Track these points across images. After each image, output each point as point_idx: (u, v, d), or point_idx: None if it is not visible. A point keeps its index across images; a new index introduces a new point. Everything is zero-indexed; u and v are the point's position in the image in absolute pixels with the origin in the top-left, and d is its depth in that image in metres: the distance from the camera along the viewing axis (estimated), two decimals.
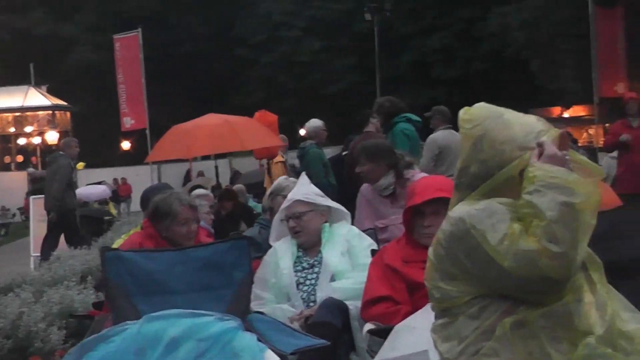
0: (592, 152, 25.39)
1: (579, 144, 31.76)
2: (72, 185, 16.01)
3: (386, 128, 10.40)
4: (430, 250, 3.21)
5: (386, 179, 6.79)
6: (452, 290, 3.10)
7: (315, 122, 12.97)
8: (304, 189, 6.08)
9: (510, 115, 3.24)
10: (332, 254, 5.76)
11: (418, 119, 10.56)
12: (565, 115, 45.95)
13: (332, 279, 5.65)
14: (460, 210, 3.12)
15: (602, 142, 28.29)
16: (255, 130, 14.38)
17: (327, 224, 5.97)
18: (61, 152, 15.90)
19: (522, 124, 3.18)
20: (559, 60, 39.30)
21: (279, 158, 14.53)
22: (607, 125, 40.92)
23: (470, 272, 3.04)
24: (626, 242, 6.68)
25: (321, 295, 5.54)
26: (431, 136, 11.30)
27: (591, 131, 37.68)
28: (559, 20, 38.39)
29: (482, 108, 3.29)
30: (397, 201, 6.73)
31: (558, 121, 43.92)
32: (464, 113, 3.28)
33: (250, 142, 14.43)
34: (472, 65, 50.01)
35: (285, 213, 5.94)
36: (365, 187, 7.11)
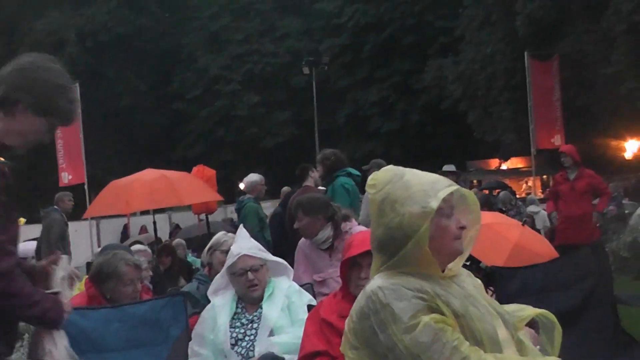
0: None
1: (517, 196, 32.04)
2: (65, 238, 15.80)
3: (327, 181, 10.35)
4: (346, 320, 3.26)
5: (324, 233, 6.79)
6: None
7: (253, 177, 13.03)
8: (247, 243, 5.98)
9: (411, 175, 3.28)
10: (273, 308, 5.68)
11: (358, 173, 10.55)
12: (504, 167, 46.47)
13: (271, 334, 5.56)
14: (373, 285, 3.18)
15: (540, 193, 28.57)
16: (193, 185, 14.38)
17: (272, 279, 5.87)
18: (55, 207, 15.78)
19: (421, 184, 3.21)
20: (495, 112, 39.72)
21: None
22: (544, 176, 41.50)
23: (374, 348, 3.09)
24: (562, 294, 6.68)
25: (259, 349, 5.46)
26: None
27: (529, 182, 38.00)
28: (495, 73, 38.86)
29: (387, 171, 3.33)
30: (335, 254, 6.77)
31: (496, 173, 44.47)
32: (370, 179, 3.33)
33: (188, 197, 14.43)
34: (410, 117, 50.42)
35: (239, 267, 5.78)
36: (303, 241, 7.08)
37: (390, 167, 3.38)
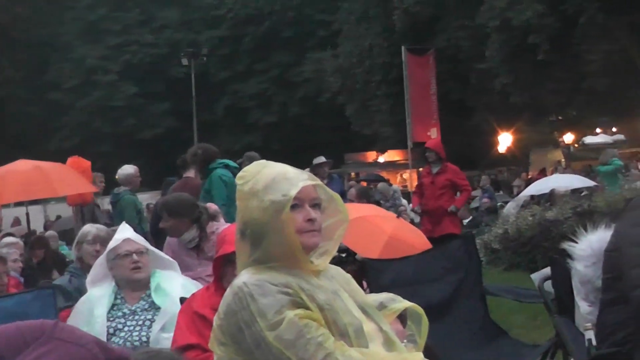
0: (406, 195, 25.84)
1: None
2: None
3: (203, 174, 10.29)
4: (215, 316, 3.25)
5: (190, 233, 6.74)
6: (222, 357, 3.16)
7: (127, 169, 12.80)
8: (132, 232, 5.87)
9: (278, 167, 3.30)
10: (169, 302, 5.55)
11: (235, 165, 10.49)
12: (381, 159, 46.88)
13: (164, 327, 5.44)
14: (239, 281, 3.16)
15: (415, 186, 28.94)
16: (68, 176, 14.04)
17: (157, 270, 5.78)
18: None
19: (283, 174, 3.24)
20: (373, 105, 40.09)
21: None
22: (421, 169, 42.09)
23: (240, 344, 3.08)
24: (432, 285, 6.80)
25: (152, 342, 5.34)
26: None
27: (405, 175, 38.47)
28: (372, 67, 39.21)
29: (257, 165, 3.35)
30: (202, 253, 6.70)
31: (374, 166, 44.84)
32: (241, 172, 3.33)
33: (62, 188, 14.09)
34: (288, 110, 50.54)
35: (124, 249, 5.67)
36: (170, 238, 7.00)
37: (262, 161, 3.37)
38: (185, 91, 48.29)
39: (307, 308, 3.07)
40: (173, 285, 5.69)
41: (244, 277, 3.15)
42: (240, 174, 3.30)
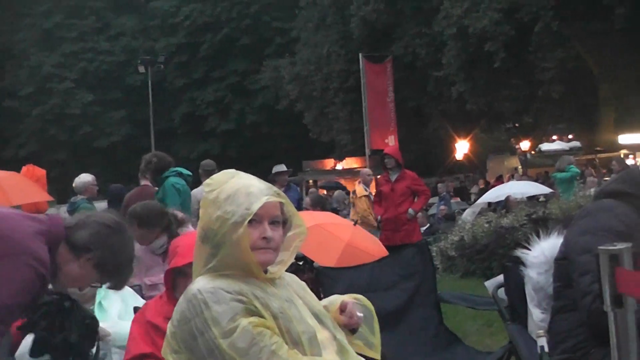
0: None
1: None
2: None
3: (157, 183, 10.22)
4: (168, 324, 3.25)
5: (159, 241, 6.66)
6: None
7: (85, 177, 12.72)
8: None
9: (244, 179, 3.30)
10: (105, 315, 5.50)
11: (189, 173, 10.44)
12: (339, 167, 46.90)
13: None
14: (194, 288, 3.16)
15: (373, 192, 28.98)
16: (22, 185, 13.91)
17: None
18: None
19: (246, 186, 3.24)
20: (331, 113, 40.11)
21: (362, 192, 15.80)
22: (379, 176, 42.14)
23: (194, 352, 3.08)
24: (387, 293, 6.79)
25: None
26: (192, 191, 11.21)
27: None
28: (330, 74, 39.23)
29: (224, 174, 3.35)
30: (168, 260, 6.62)
31: (332, 173, 44.85)
32: (209, 179, 3.34)
33: (17, 197, 13.95)
34: (246, 117, 50.44)
35: None
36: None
37: (230, 170, 3.38)
38: (142, 99, 48.09)
39: (261, 316, 3.07)
40: (112, 301, 5.64)
41: (199, 284, 3.15)
42: (207, 181, 3.30)
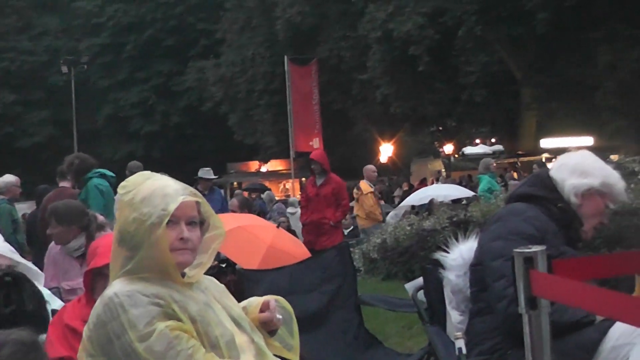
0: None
1: (277, 198, 32.41)
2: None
3: (80, 184, 10.12)
4: (84, 327, 3.21)
5: (77, 242, 6.59)
6: None
7: (7, 178, 12.61)
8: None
9: (159, 180, 3.28)
10: None
11: (112, 174, 10.35)
12: (263, 169, 46.91)
13: None
14: (110, 291, 3.13)
15: (298, 196, 28.99)
16: None
17: None
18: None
19: (162, 187, 3.22)
20: (256, 115, 40.09)
21: (368, 189, 16.32)
22: (303, 179, 42.21)
23: (110, 356, 3.05)
24: (308, 295, 6.80)
25: None
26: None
27: (288, 185, 38.59)
28: (255, 76, 39.23)
29: (139, 176, 3.33)
30: (86, 263, 6.53)
31: (256, 175, 44.82)
32: (124, 181, 3.31)
33: None
34: (170, 119, 50.14)
35: None
36: (53, 245, 6.84)
37: (146, 172, 3.35)
38: (65, 99, 47.54)
39: (179, 319, 3.06)
40: None
41: (115, 288, 3.12)
42: (122, 183, 3.26)
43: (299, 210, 22.00)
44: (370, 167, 17.33)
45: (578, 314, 3.73)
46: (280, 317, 3.51)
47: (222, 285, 3.51)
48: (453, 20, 27.37)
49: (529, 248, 2.45)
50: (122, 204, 3.21)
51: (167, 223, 3.12)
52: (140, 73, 51.36)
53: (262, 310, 3.48)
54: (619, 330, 3.58)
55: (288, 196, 31.26)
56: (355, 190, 16.59)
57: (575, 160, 4.37)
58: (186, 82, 46.88)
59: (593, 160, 4.34)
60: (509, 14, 26.81)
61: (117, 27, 52.11)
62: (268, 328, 3.47)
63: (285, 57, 30.75)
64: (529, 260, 2.41)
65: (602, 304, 2.17)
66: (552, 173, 4.40)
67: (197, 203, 3.26)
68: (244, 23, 41.10)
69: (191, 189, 3.29)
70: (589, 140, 36.33)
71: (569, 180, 4.30)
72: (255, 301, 3.58)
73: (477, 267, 4.27)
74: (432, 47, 27.92)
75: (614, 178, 4.25)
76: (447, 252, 4.55)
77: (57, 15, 56.55)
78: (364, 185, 16.44)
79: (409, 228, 13.68)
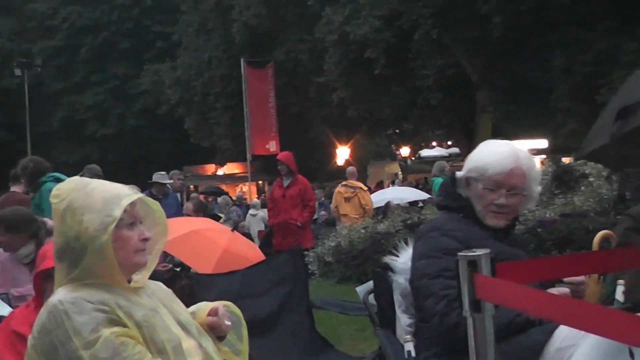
0: (246, 207, 25.83)
1: (234, 200, 32.32)
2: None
3: (34, 188, 10.04)
4: (29, 335, 3.16)
5: (26, 249, 6.52)
6: None
7: None
8: None
9: (96, 185, 3.23)
10: None
11: (66, 178, 10.27)
12: (220, 172, 46.79)
13: None
14: (55, 299, 3.09)
15: (255, 198, 28.94)
16: None
17: None
18: None
19: (104, 192, 3.18)
20: (212, 118, 40.01)
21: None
22: (260, 182, 42.19)
23: None
24: (259, 299, 6.79)
25: None
26: None
27: (245, 188, 38.53)
28: (211, 79, 39.16)
29: (70, 182, 3.29)
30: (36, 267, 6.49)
31: (213, 178, 44.70)
32: (55, 189, 3.25)
33: None
34: (126, 122, 49.88)
35: None
36: (1, 252, 6.77)
37: (76, 177, 3.33)
38: (18, 102, 46.99)
39: (124, 325, 3.03)
40: None
41: (60, 295, 3.08)
42: (54, 192, 3.21)
43: (260, 212, 22.04)
44: (350, 168, 17.68)
45: (510, 314, 3.74)
46: (229, 323, 3.50)
47: (169, 290, 3.50)
48: (409, 23, 27.43)
49: (473, 252, 2.45)
50: (58, 213, 3.16)
51: (123, 225, 3.10)
52: (95, 76, 51.03)
53: (210, 315, 3.47)
54: (564, 332, 3.60)
55: (245, 199, 31.16)
56: (347, 189, 16.66)
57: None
58: (142, 85, 46.64)
59: (479, 150, 4.31)
60: (465, 17, 26.93)
61: (72, 29, 51.71)
62: (217, 333, 3.46)
63: (242, 60, 30.72)
64: (473, 264, 2.42)
65: (545, 307, 2.18)
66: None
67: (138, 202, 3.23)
68: (200, 26, 41.00)
69: (130, 187, 3.27)
70: (543, 143, 36.73)
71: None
72: (204, 306, 3.57)
73: (411, 285, 4.30)
74: (389, 50, 27.96)
75: (486, 160, 4.17)
76: (397, 256, 4.55)
77: (10, 18, 55.94)
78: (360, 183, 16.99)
79: (363, 231, 13.73)
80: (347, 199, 16.47)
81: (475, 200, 4.24)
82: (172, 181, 14.99)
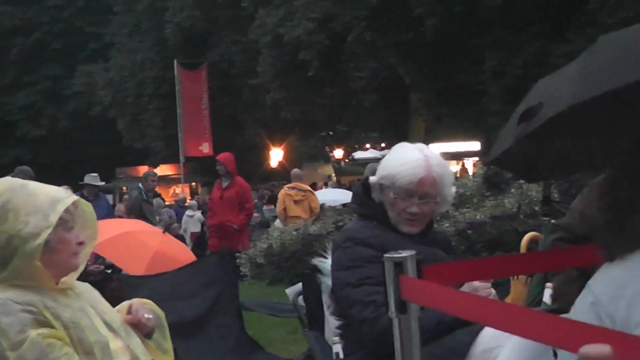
0: (180, 209, 25.72)
1: (167, 202, 32.14)
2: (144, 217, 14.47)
3: None
4: None
5: None
6: None
7: None
8: None
9: (31, 186, 3.21)
10: None
11: None
12: None
13: None
14: None
15: (189, 200, 28.83)
16: None
17: None
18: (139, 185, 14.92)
19: (38, 194, 3.16)
20: (145, 120, 39.75)
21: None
22: (193, 184, 42.00)
23: None
24: (189, 301, 6.76)
25: None
26: None
27: (178, 190, 38.32)
28: (145, 80, 38.93)
29: (3, 182, 3.25)
30: None
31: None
32: None
33: None
34: (58, 123, 49.27)
35: None
36: None
37: (8, 178, 3.29)
38: None
39: (52, 327, 3.02)
40: None
41: None
42: None
43: (197, 213, 21.99)
44: (295, 171, 18.03)
45: (439, 313, 3.75)
46: (151, 315, 3.47)
47: (96, 291, 3.47)
48: (343, 26, 27.51)
49: (399, 253, 2.46)
50: None
51: (69, 228, 3.09)
52: (27, 77, 50.29)
53: (127, 312, 3.45)
54: (489, 333, 3.63)
55: (178, 201, 30.99)
56: (297, 192, 16.69)
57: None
58: (74, 86, 46.14)
59: (390, 157, 4.31)
60: (398, 20, 27.06)
61: (3, 29, 50.90)
62: (142, 331, 3.44)
63: (175, 62, 30.58)
64: (399, 265, 2.43)
65: (470, 308, 2.19)
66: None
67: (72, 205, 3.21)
68: (133, 27, 40.77)
69: (64, 190, 3.24)
70: (476, 145, 37.03)
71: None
72: (126, 304, 3.55)
73: (334, 293, 4.30)
74: (322, 52, 28.03)
75: (397, 169, 4.15)
76: (326, 258, 4.55)
77: None
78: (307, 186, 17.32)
79: (295, 233, 13.76)
80: (297, 202, 16.47)
81: (388, 207, 4.23)
82: (148, 182, 15.13)
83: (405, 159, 4.19)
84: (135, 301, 3.52)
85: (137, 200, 15.45)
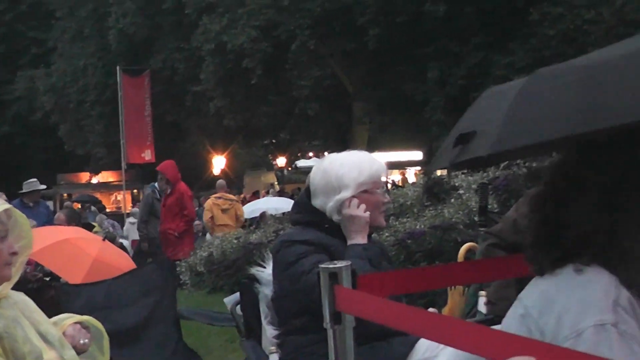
0: (119, 217, 25.53)
1: (108, 210, 31.92)
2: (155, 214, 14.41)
3: None
4: None
5: None
6: None
7: None
8: None
9: None
10: None
11: None
12: (94, 180, 46.06)
13: None
14: None
15: (130, 207, 28.63)
16: None
17: None
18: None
19: None
20: (87, 126, 39.40)
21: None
22: (135, 190, 41.69)
23: None
24: (126, 309, 6.72)
25: None
26: None
27: (119, 196, 38.05)
28: (87, 86, 38.63)
29: None
30: None
31: (87, 187, 44.00)
32: None
33: None
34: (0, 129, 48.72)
35: None
36: None
37: None
38: None
39: None
40: None
41: None
42: None
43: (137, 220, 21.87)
44: (220, 181, 18.08)
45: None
46: (87, 340, 3.44)
47: (31, 301, 3.43)
48: (286, 34, 27.54)
49: (334, 264, 2.46)
50: None
51: (1, 237, 3.05)
52: None
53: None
54: (425, 344, 3.66)
55: (119, 208, 30.82)
56: (225, 201, 16.85)
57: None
58: (16, 91, 45.59)
59: (347, 166, 4.18)
60: (342, 29, 27.15)
61: None
62: (76, 351, 3.40)
63: (118, 68, 30.30)
64: (334, 276, 2.43)
65: (404, 320, 2.20)
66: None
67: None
68: (75, 32, 40.37)
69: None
70: (418, 155, 37.24)
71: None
72: (65, 317, 3.51)
73: (281, 300, 4.21)
74: (266, 60, 28.04)
75: (363, 166, 4.12)
76: (264, 267, 4.54)
77: None
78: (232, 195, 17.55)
79: (235, 241, 13.74)
80: (224, 210, 16.49)
81: (370, 209, 4.15)
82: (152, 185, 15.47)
83: (357, 156, 4.21)
84: (71, 325, 3.47)
85: (149, 198, 15.49)
